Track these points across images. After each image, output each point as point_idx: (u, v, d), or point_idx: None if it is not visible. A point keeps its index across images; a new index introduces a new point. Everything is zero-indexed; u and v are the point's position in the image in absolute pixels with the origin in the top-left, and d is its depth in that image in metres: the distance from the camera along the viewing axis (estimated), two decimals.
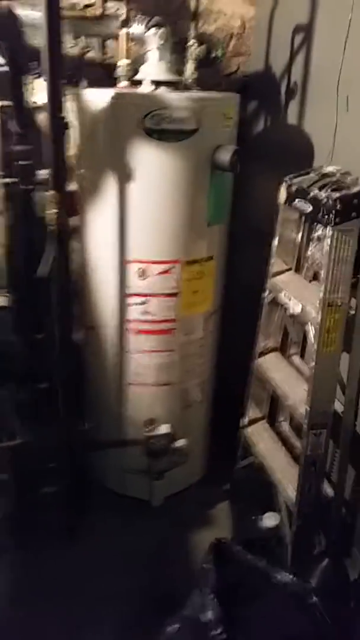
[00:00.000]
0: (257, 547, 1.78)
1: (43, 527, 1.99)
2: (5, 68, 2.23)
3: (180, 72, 2.02)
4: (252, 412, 2.14)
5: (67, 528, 2.02)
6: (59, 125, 1.34)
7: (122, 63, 1.89)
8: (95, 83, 2.07)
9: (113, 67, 2.33)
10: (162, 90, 1.88)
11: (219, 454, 2.38)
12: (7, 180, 1.68)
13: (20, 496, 1.73)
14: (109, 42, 2.33)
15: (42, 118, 2.16)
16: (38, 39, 1.70)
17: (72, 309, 1.66)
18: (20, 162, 1.69)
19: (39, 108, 1.73)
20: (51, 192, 1.36)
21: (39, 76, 2.00)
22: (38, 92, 1.80)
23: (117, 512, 2.20)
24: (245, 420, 2.14)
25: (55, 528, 2.00)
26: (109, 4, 2.06)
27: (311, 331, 1.65)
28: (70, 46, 2.24)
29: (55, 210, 1.36)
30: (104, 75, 2.35)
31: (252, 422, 2.15)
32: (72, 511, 2.01)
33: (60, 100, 1.32)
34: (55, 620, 1.80)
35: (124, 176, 1.80)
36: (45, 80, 1.38)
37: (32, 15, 1.66)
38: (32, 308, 1.84)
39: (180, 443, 2.06)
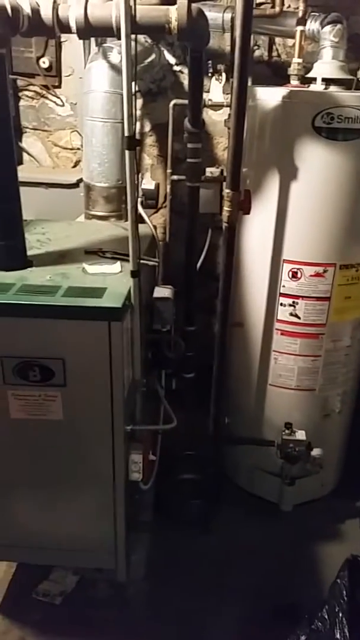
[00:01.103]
0: None
1: (179, 512, 2.07)
2: (178, 68, 2.35)
3: (352, 70, 1.96)
4: None
5: (202, 517, 2.07)
6: (242, 123, 1.36)
7: (296, 61, 1.87)
8: (258, 81, 2.08)
9: (279, 65, 2.34)
10: (333, 88, 1.83)
11: (355, 468, 2.28)
12: (175, 177, 1.76)
13: (160, 479, 1.81)
14: (277, 40, 2.33)
15: (210, 116, 2.24)
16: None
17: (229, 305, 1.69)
18: (190, 160, 1.75)
19: (213, 106, 1.78)
20: (227, 191, 1.39)
21: (212, 76, 2.08)
22: (212, 91, 1.87)
23: (245, 510, 2.22)
24: None
25: (190, 515, 2.07)
26: (286, 1, 2.04)
27: None
28: (228, 45, 2.27)
29: (229, 209, 1.39)
30: (270, 73, 2.36)
31: None
32: (209, 501, 2.06)
33: (245, 100, 1.34)
34: (178, 600, 1.89)
35: (288, 175, 1.79)
36: (233, 79, 1.41)
37: (209, 15, 1.72)
38: (188, 300, 1.91)
39: (316, 452, 2.01)
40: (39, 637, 1.77)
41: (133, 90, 1.26)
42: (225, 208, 1.39)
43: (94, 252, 1.69)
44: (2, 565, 1.90)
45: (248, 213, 1.44)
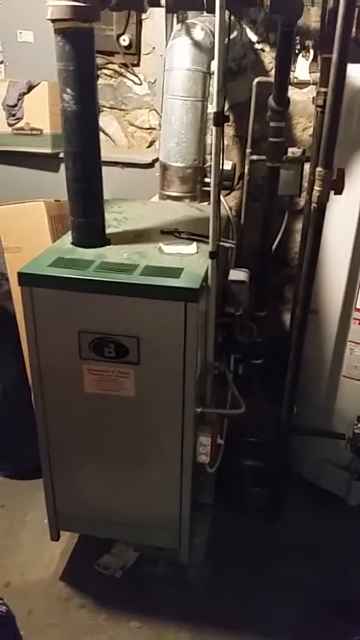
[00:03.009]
0: None
1: (241, 498, 2.06)
2: (260, 46, 2.28)
3: None
4: None
5: (265, 505, 2.04)
6: (339, 100, 1.29)
7: None
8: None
9: None
10: None
11: None
12: (255, 157, 1.71)
13: (224, 464, 1.80)
14: None
15: (291, 95, 2.17)
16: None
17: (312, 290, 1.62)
18: (272, 139, 1.69)
19: (299, 84, 1.72)
20: (320, 169, 1.33)
21: (298, 53, 2.00)
22: (297, 68, 1.80)
23: (310, 502, 2.17)
24: None
25: (252, 502, 2.05)
26: None
27: None
28: (315, 21, 2.17)
29: (320, 188, 1.33)
30: (358, 51, 2.24)
31: None
32: (272, 490, 2.03)
33: (344, 78, 1.27)
34: (237, 587, 1.88)
35: None
36: (323, 55, 1.34)
37: None
38: (260, 286, 1.87)
39: None
40: (99, 607, 1.82)
41: (224, 65, 1.22)
42: (316, 187, 1.33)
43: (170, 232, 1.68)
44: (65, 535, 1.96)
45: (340, 193, 1.38)
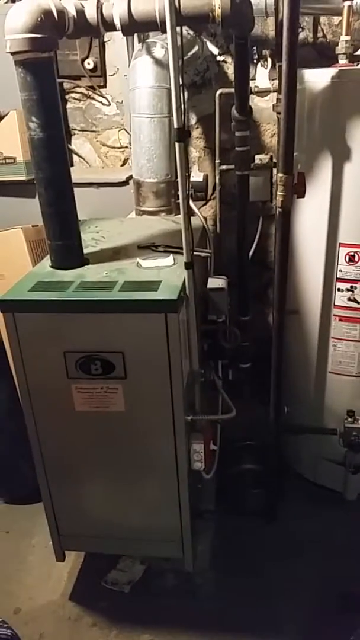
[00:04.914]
0: None
1: (242, 502, 2.07)
2: (222, 58, 2.34)
3: None
4: None
5: (265, 507, 2.06)
6: (294, 104, 1.34)
7: (344, 39, 1.81)
8: (304, 64, 2.03)
9: (325, 46, 2.28)
10: None
11: None
12: (224, 167, 1.75)
13: (222, 470, 1.82)
14: (322, 20, 2.27)
15: (257, 103, 2.22)
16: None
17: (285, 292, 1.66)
18: (238, 148, 1.73)
19: (260, 93, 1.76)
20: (280, 175, 1.37)
21: (257, 62, 2.05)
22: (257, 77, 1.85)
23: (309, 499, 2.19)
24: None
25: (253, 505, 2.07)
26: None
27: None
28: (272, 30, 2.22)
29: (282, 193, 1.37)
30: (316, 55, 2.30)
31: None
32: (271, 491, 2.05)
33: (295, 84, 1.32)
34: (244, 590, 1.89)
35: (341, 157, 1.74)
36: (279, 63, 1.39)
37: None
38: (241, 291, 1.90)
39: None
40: (110, 624, 1.83)
41: (180, 81, 1.26)
42: (279, 193, 1.37)
43: (147, 247, 1.72)
44: (71, 554, 1.97)
45: (303, 196, 1.42)
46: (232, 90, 1.79)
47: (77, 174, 2.33)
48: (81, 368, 1.48)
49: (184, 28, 2.14)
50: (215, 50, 2.35)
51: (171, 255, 1.62)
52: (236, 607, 1.84)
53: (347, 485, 2.09)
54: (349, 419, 1.94)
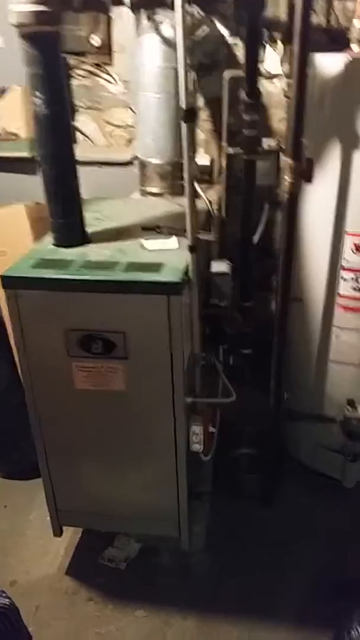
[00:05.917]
0: None
1: (238, 485, 2.09)
2: (231, 39, 2.30)
3: None
4: None
5: (261, 491, 2.08)
6: (304, 88, 1.32)
7: (357, 24, 1.78)
8: (315, 49, 1.99)
9: (338, 31, 2.23)
10: None
11: None
12: (231, 150, 1.72)
13: (219, 453, 1.84)
14: (335, 4, 2.23)
15: (266, 87, 2.19)
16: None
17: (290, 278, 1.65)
18: (246, 132, 1.71)
19: (270, 77, 1.73)
20: (288, 160, 1.35)
21: (267, 45, 2.02)
22: (267, 60, 1.82)
23: (307, 486, 2.21)
24: None
25: (248, 488, 2.08)
26: None
27: None
28: (285, 12, 2.18)
29: (290, 179, 1.35)
30: (327, 40, 2.26)
31: None
32: (268, 475, 2.06)
33: (306, 68, 1.30)
34: (239, 572, 1.91)
35: (350, 144, 1.72)
36: (291, 47, 1.36)
37: None
38: (244, 276, 1.89)
39: None
40: (105, 599, 1.86)
41: (188, 61, 1.24)
42: (287, 178, 1.35)
43: (151, 228, 1.71)
44: (68, 530, 1.99)
45: (311, 182, 1.40)
46: (241, 73, 1.76)
47: (81, 152, 2.31)
48: (82, 346, 1.49)
49: (195, 8, 2.11)
50: (225, 32, 2.31)
51: (175, 238, 1.62)
52: (230, 587, 1.87)
53: (345, 473, 2.10)
54: (349, 408, 1.95)
